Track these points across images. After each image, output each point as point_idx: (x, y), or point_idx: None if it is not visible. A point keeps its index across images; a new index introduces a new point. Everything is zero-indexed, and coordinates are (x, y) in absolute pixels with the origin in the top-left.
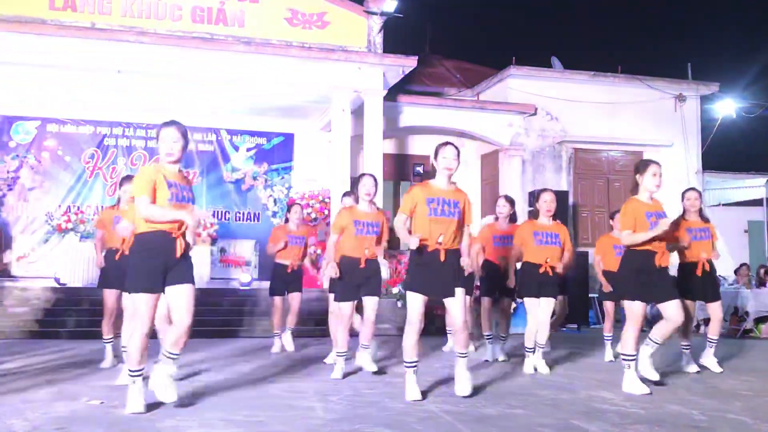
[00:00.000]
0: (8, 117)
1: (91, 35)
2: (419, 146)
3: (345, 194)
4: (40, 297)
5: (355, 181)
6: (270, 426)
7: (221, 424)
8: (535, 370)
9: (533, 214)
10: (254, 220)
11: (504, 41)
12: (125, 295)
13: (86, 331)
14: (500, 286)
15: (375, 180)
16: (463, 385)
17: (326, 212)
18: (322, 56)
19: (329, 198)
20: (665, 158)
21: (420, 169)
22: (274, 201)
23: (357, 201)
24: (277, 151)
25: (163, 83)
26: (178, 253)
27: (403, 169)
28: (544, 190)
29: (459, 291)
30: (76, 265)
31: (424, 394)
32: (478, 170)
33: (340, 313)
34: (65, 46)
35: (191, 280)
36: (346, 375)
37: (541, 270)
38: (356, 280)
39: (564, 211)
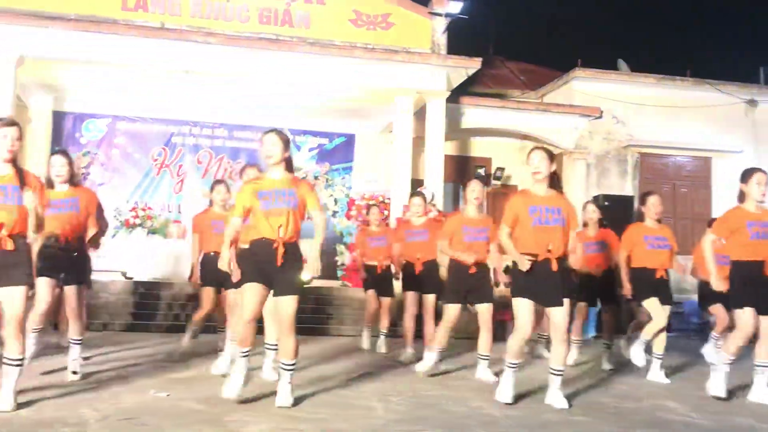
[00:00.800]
0: (80, 114)
1: (161, 35)
2: (481, 148)
3: (414, 194)
4: (109, 290)
5: (415, 183)
6: (332, 423)
7: (285, 420)
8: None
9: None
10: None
11: (569, 43)
12: (230, 292)
13: (154, 324)
14: (601, 292)
15: (483, 185)
16: (556, 398)
17: (386, 213)
18: (386, 57)
19: (389, 199)
20: (735, 165)
21: (482, 171)
22: (335, 201)
23: (425, 200)
24: (338, 152)
25: (229, 83)
26: (279, 262)
27: (465, 172)
28: (650, 193)
29: (566, 302)
30: (143, 259)
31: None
32: None
33: (446, 314)
34: (136, 45)
35: (294, 291)
36: (433, 375)
37: (658, 275)
38: (465, 285)
39: (629, 216)
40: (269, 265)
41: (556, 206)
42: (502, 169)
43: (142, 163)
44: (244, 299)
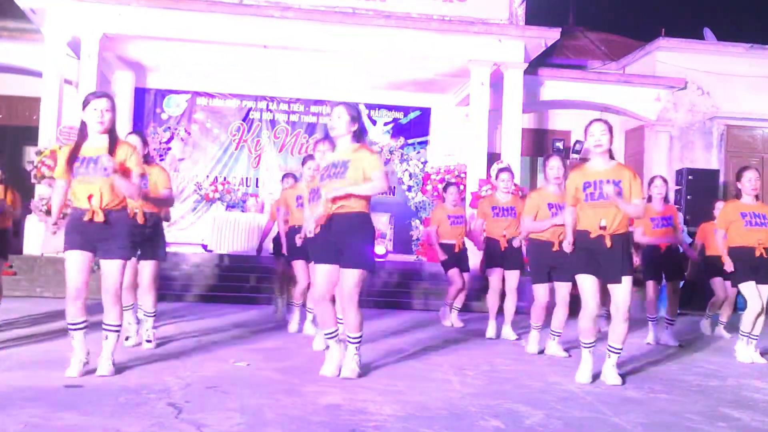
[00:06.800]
0: (161, 90)
1: (239, 11)
2: (559, 121)
3: (502, 169)
4: (190, 262)
5: (491, 157)
6: (408, 395)
7: (361, 391)
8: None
9: (735, 194)
10: (389, 194)
11: (652, 12)
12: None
13: (233, 295)
14: (666, 268)
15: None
16: (610, 374)
17: (462, 187)
18: (462, 29)
19: (465, 173)
20: None
21: (560, 144)
22: (410, 175)
23: (512, 176)
24: (413, 126)
25: (305, 58)
26: (334, 228)
27: (542, 145)
28: (747, 168)
29: (627, 279)
30: (223, 232)
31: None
32: (622, 146)
33: (536, 296)
34: (215, 21)
35: (356, 264)
36: (541, 352)
37: (757, 253)
38: (548, 263)
39: (714, 190)
40: (334, 235)
41: (615, 179)
42: (581, 143)
43: (221, 138)
44: (314, 278)
